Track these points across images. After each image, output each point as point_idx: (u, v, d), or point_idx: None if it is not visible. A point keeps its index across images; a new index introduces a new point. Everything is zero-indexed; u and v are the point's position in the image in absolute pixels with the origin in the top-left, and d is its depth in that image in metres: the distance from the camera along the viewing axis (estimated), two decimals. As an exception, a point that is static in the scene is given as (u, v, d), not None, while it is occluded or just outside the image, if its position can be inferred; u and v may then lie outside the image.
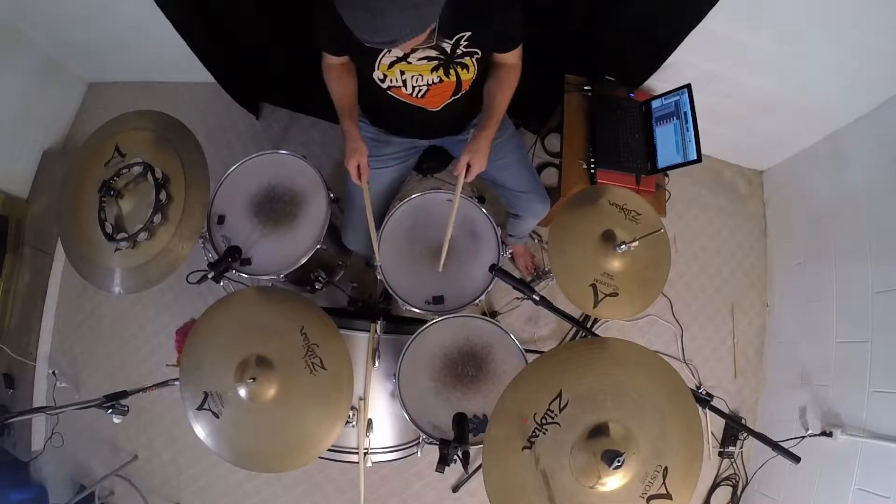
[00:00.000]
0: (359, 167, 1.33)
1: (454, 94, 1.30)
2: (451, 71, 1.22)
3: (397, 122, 1.49)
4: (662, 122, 1.81)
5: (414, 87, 1.25)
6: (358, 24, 0.85)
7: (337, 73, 1.32)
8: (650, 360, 0.98)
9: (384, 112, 1.47)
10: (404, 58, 1.16)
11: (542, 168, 2.35)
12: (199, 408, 1.13)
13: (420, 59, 1.17)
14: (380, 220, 1.52)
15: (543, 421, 0.91)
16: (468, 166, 1.30)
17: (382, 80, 1.24)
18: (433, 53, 1.16)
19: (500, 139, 1.44)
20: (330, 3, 0.89)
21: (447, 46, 1.15)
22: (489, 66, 1.31)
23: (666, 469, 0.88)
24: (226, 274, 1.35)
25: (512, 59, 1.30)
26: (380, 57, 1.17)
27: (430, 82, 1.24)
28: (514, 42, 1.25)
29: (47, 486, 2.08)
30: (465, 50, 1.17)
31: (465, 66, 1.22)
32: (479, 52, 1.20)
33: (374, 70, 1.21)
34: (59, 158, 2.32)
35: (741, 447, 2.11)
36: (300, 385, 1.13)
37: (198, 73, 2.03)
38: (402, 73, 1.21)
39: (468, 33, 1.14)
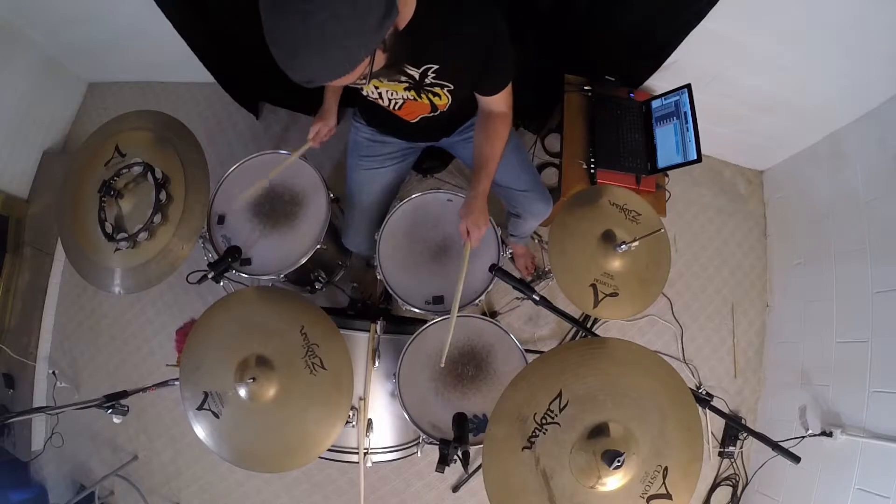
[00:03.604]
0: (318, 133, 1.45)
1: (431, 112, 1.29)
2: (423, 95, 1.20)
3: (388, 125, 1.49)
4: (662, 122, 1.81)
5: (390, 100, 1.25)
6: (278, 61, 0.83)
7: None
8: (650, 360, 0.98)
9: (375, 115, 1.47)
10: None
11: (542, 168, 2.35)
12: (199, 408, 1.13)
13: (391, 79, 1.14)
14: (380, 221, 1.52)
15: (543, 421, 0.91)
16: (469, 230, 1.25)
17: (361, 90, 1.23)
18: (401, 77, 1.13)
19: None
20: None
21: (415, 74, 1.12)
22: (468, 97, 1.27)
23: (666, 469, 0.88)
24: (226, 274, 1.35)
25: (496, 105, 1.25)
26: None
27: (405, 98, 1.23)
28: (498, 84, 1.19)
29: (47, 486, 2.08)
30: (433, 81, 1.15)
31: (436, 95, 1.20)
32: (452, 86, 1.17)
33: None
34: (59, 158, 2.31)
35: (741, 447, 2.11)
36: (300, 385, 1.13)
37: (198, 73, 2.03)
38: (377, 87, 1.20)
39: (435, 66, 1.11)
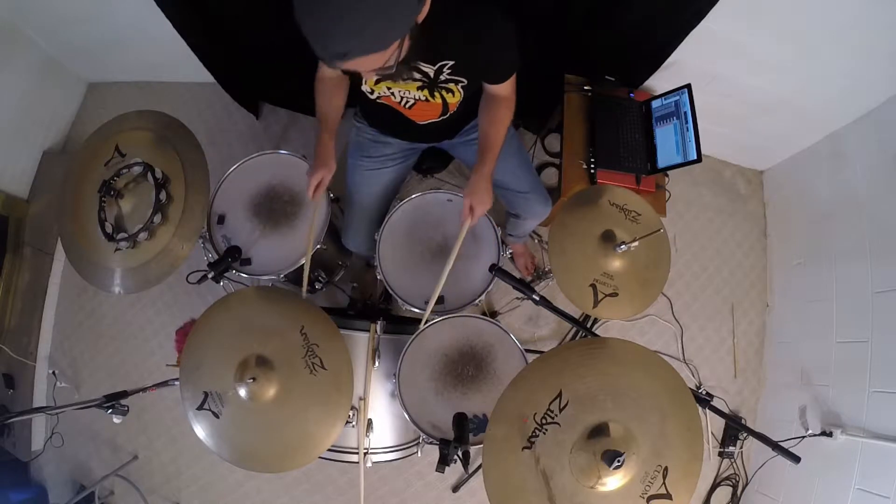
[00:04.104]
0: (320, 183, 1.33)
1: (441, 115, 1.30)
2: (437, 94, 1.22)
3: (392, 126, 1.49)
4: (662, 122, 1.81)
5: (402, 98, 1.25)
6: (314, 33, 0.83)
7: (328, 87, 1.32)
8: (650, 360, 0.98)
9: (379, 117, 1.47)
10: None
11: (542, 168, 2.35)
12: (199, 408, 1.13)
13: (405, 79, 1.15)
14: (380, 221, 1.52)
15: (543, 421, 0.91)
16: (472, 208, 1.27)
17: (371, 93, 1.25)
18: (416, 75, 1.15)
19: None
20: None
21: (430, 71, 1.14)
22: (479, 90, 1.30)
23: (666, 469, 0.88)
24: (226, 274, 1.35)
25: (503, 91, 1.27)
26: None
27: (417, 98, 1.24)
28: (503, 75, 1.22)
29: (47, 486, 2.08)
30: (448, 77, 1.16)
31: (450, 91, 1.21)
32: (465, 81, 1.19)
33: (362, 83, 1.22)
34: (59, 158, 2.31)
35: (741, 447, 2.11)
36: (300, 385, 1.13)
37: (198, 73, 2.03)
38: (389, 87, 1.21)
39: (451, 62, 1.13)
